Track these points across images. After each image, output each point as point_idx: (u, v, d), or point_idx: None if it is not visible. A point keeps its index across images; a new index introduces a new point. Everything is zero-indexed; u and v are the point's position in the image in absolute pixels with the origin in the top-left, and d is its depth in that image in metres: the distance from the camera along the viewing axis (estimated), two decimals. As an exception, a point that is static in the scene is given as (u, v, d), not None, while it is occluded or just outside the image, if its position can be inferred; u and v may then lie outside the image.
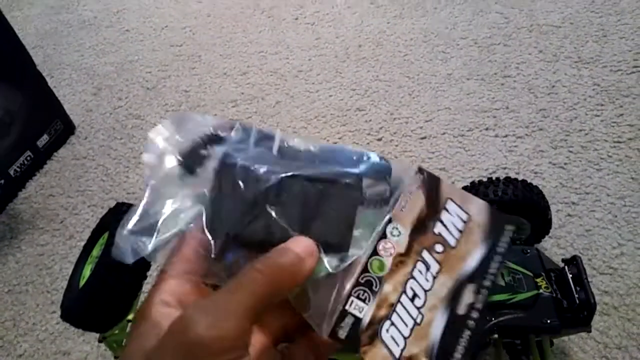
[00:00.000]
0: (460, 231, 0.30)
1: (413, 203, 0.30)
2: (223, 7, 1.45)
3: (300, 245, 0.26)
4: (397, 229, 0.29)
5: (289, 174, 0.28)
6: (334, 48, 1.26)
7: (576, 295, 0.61)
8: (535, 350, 0.62)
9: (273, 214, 0.28)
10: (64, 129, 1.15)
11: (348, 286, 0.27)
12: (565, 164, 0.95)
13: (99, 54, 1.37)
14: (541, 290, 0.62)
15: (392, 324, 0.27)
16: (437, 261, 0.29)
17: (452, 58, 1.18)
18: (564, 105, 1.05)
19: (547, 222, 0.76)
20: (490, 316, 0.60)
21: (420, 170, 0.31)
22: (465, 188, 0.76)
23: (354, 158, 0.30)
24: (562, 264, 0.66)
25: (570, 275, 0.63)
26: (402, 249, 0.28)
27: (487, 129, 1.03)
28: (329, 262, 0.27)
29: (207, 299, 0.25)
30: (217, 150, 0.30)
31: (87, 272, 0.64)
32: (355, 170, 0.29)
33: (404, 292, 0.27)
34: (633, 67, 1.09)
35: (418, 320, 0.27)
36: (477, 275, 0.29)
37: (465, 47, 1.20)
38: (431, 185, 0.31)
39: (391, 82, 1.15)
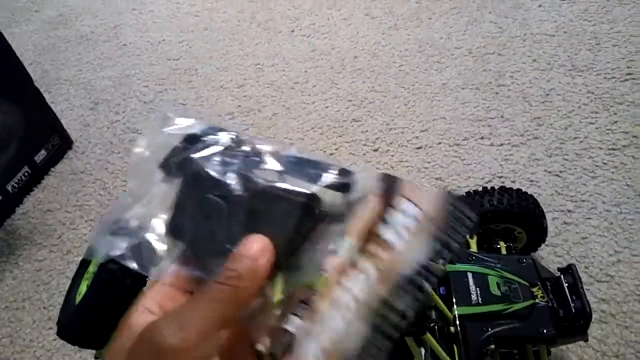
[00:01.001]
0: (410, 230, 0.28)
1: (366, 214, 0.29)
2: (219, 21, 1.46)
3: (253, 248, 0.27)
4: (348, 242, 0.28)
5: (240, 189, 0.28)
6: (330, 59, 1.27)
7: (572, 305, 0.61)
8: (533, 360, 0.62)
9: (221, 228, 0.28)
10: (62, 144, 1.15)
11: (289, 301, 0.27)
12: (561, 171, 0.95)
13: (97, 69, 1.37)
14: (537, 300, 0.62)
15: (317, 340, 0.26)
16: (378, 268, 0.27)
17: (446, 68, 1.19)
18: (558, 113, 1.05)
19: (542, 231, 0.76)
20: (487, 327, 0.60)
21: (382, 177, 0.30)
22: (461, 198, 0.76)
23: (318, 172, 0.29)
24: (558, 273, 0.66)
25: (566, 284, 0.63)
26: (346, 264, 0.27)
27: (482, 137, 1.03)
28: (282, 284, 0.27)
29: (176, 307, 0.26)
30: (195, 155, 0.30)
31: (83, 288, 0.64)
32: (314, 187, 0.28)
33: (336, 304, 0.27)
34: (626, 74, 1.09)
35: (342, 332, 0.26)
36: (417, 277, 0.28)
37: (460, 56, 1.21)
38: (389, 190, 0.29)
39: (387, 93, 1.16)
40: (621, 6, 1.25)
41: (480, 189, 0.76)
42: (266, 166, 0.30)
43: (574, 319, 0.60)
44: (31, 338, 0.86)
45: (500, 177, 0.96)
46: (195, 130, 0.31)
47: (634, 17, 1.22)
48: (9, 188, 1.05)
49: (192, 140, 0.30)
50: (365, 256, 0.28)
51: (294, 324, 0.26)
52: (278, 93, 1.21)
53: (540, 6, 1.30)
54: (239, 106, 1.19)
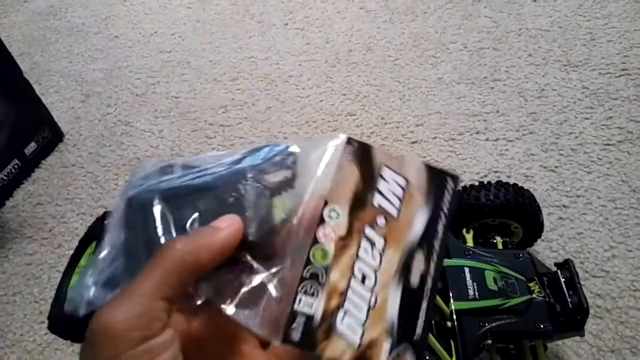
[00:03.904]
0: (400, 198, 0.28)
1: (347, 178, 0.28)
2: (212, 13, 1.44)
3: (220, 220, 0.26)
4: (334, 210, 0.27)
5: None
6: (324, 53, 1.26)
7: (569, 300, 0.61)
8: (529, 354, 0.62)
9: (157, 238, 0.28)
10: (52, 137, 1.13)
11: (294, 283, 0.25)
12: (556, 167, 0.95)
13: (88, 61, 1.35)
14: (534, 295, 0.61)
15: (346, 312, 0.25)
16: (382, 236, 0.27)
17: (442, 62, 1.19)
18: (553, 108, 1.05)
19: (539, 226, 0.76)
20: (484, 322, 0.60)
21: (350, 141, 0.29)
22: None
23: (258, 155, 0.30)
24: (554, 268, 0.66)
25: (563, 279, 0.63)
26: (342, 231, 0.27)
27: (477, 132, 1.03)
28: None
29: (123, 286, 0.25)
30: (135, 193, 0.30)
31: (74, 282, 0.63)
32: (248, 166, 0.29)
33: (353, 276, 0.26)
34: (621, 69, 1.10)
35: (372, 302, 0.26)
36: (425, 241, 0.28)
37: (455, 51, 1.21)
38: (363, 155, 0.29)
39: (382, 87, 1.15)
40: (616, 2, 1.25)
41: (476, 183, 0.76)
42: (204, 172, 0.29)
43: (570, 314, 0.60)
44: (22, 332, 0.85)
45: (496, 172, 0.96)
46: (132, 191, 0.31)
47: (628, 13, 1.22)
48: (-2, 181, 1.03)
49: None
50: (362, 225, 0.27)
51: (308, 305, 0.25)
52: (272, 86, 1.20)
53: (535, 1, 1.29)
54: (232, 99, 1.18)
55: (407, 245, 0.27)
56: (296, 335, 0.24)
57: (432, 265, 0.27)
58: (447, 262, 0.64)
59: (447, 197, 0.29)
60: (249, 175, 0.28)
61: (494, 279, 0.63)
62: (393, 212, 0.28)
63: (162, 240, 0.28)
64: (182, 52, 1.33)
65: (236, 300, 0.26)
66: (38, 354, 0.82)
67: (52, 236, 0.97)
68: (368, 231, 0.27)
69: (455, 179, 0.30)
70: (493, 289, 0.62)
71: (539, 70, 1.13)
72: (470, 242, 0.73)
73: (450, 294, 0.62)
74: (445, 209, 0.29)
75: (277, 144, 0.29)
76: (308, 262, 0.26)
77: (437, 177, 0.29)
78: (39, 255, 0.95)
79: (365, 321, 0.25)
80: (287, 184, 0.29)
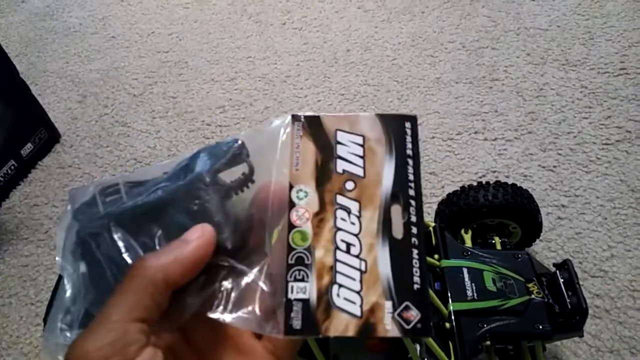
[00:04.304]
0: (362, 157, 0.28)
1: (304, 155, 0.27)
2: (210, 13, 1.44)
3: (189, 232, 0.26)
4: (301, 190, 0.27)
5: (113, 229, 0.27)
6: (322, 53, 1.26)
7: (568, 300, 0.60)
8: (528, 355, 0.62)
9: (122, 262, 0.27)
10: (49, 138, 1.13)
11: (282, 274, 0.25)
12: (555, 166, 0.95)
13: (85, 61, 1.35)
14: (533, 296, 0.61)
15: (340, 285, 0.25)
16: (354, 199, 0.27)
17: (440, 62, 1.18)
18: (552, 107, 1.05)
19: (537, 226, 0.76)
20: (482, 323, 0.59)
21: (295, 117, 0.28)
22: (455, 192, 0.76)
23: (206, 157, 0.28)
24: (553, 268, 0.65)
25: (562, 280, 0.63)
26: (315, 208, 0.26)
27: (476, 132, 1.03)
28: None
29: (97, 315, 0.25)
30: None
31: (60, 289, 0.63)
32: (203, 170, 0.27)
33: (337, 248, 0.25)
34: (620, 69, 1.09)
35: (363, 268, 0.25)
36: (398, 190, 0.27)
37: (454, 50, 1.20)
38: (312, 126, 0.28)
39: (380, 87, 1.15)
40: (614, 1, 1.25)
41: (475, 183, 0.76)
42: (147, 187, 0.28)
43: (569, 315, 0.60)
44: (18, 334, 0.84)
45: (494, 171, 0.95)
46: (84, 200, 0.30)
47: (627, 12, 1.21)
48: (-5, 182, 1.03)
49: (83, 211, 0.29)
50: (333, 195, 0.27)
51: (301, 290, 0.25)
52: (270, 86, 1.19)
53: (533, 0, 1.29)
54: (230, 99, 1.18)
55: (381, 200, 0.27)
56: (297, 323, 0.24)
57: (413, 211, 0.27)
58: (445, 262, 0.64)
59: (409, 140, 0.28)
60: (207, 179, 0.27)
61: (493, 279, 0.62)
62: (359, 172, 0.27)
63: (129, 262, 0.27)
64: (180, 52, 1.33)
65: (230, 306, 0.26)
66: (34, 356, 0.82)
67: (49, 237, 0.97)
68: (340, 199, 0.27)
69: (412, 119, 0.29)
70: (492, 290, 0.61)
71: (537, 69, 1.13)
72: (468, 243, 0.73)
73: (449, 295, 0.61)
74: (409, 153, 0.28)
75: (222, 141, 0.28)
76: (290, 248, 0.26)
77: (393, 124, 0.29)
78: (35, 256, 0.94)
79: (361, 289, 0.25)
80: (247, 179, 0.28)
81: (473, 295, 0.61)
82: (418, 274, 0.25)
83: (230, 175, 0.28)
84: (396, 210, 0.27)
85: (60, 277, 0.63)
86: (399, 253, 0.26)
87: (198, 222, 0.26)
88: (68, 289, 0.28)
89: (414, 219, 0.26)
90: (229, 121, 1.13)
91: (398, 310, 0.24)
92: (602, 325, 0.75)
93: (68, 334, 0.27)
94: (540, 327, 0.59)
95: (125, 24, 1.45)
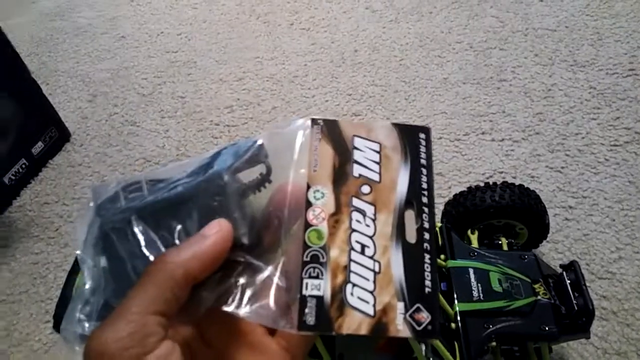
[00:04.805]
0: (378, 162, 0.29)
1: (322, 157, 0.28)
2: (219, 13, 1.44)
3: (207, 228, 0.26)
4: (318, 191, 0.27)
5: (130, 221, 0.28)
6: (330, 53, 1.26)
7: (574, 302, 0.60)
8: (534, 357, 0.62)
9: (142, 255, 0.28)
10: (59, 136, 1.14)
11: (297, 271, 0.26)
12: (562, 167, 0.94)
13: (95, 61, 1.36)
14: (539, 297, 0.61)
15: (354, 285, 0.25)
16: (370, 202, 0.27)
17: (448, 62, 1.18)
18: (560, 108, 1.04)
19: (544, 227, 0.75)
20: (488, 323, 0.59)
21: (314, 121, 0.29)
22: (462, 193, 0.76)
23: (227, 156, 0.29)
24: (560, 270, 0.65)
25: (569, 281, 0.62)
26: (332, 208, 0.27)
27: (483, 133, 1.02)
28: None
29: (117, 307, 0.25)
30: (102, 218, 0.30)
31: (80, 281, 0.64)
32: (222, 169, 0.28)
33: (352, 248, 0.26)
34: (629, 70, 1.09)
35: (376, 269, 0.26)
36: (412, 197, 0.28)
37: (461, 51, 1.20)
38: (331, 131, 0.29)
39: (387, 87, 1.15)
40: (623, 1, 1.24)
41: (482, 184, 0.76)
42: (167, 184, 0.29)
43: (576, 316, 0.60)
44: (28, 332, 0.85)
45: (501, 172, 0.95)
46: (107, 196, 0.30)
47: (636, 13, 1.21)
48: (6, 180, 1.04)
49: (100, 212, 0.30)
50: (349, 197, 0.27)
51: (316, 287, 0.25)
52: (277, 86, 1.20)
53: (541, 1, 1.29)
54: (238, 99, 1.18)
55: (396, 205, 0.28)
56: (311, 319, 0.25)
57: (425, 218, 0.28)
58: (451, 263, 0.64)
59: (423, 150, 0.29)
60: (226, 177, 0.27)
61: (499, 280, 0.62)
62: (374, 177, 0.28)
63: (151, 258, 0.27)
64: (189, 52, 1.34)
65: (245, 301, 0.27)
66: (44, 352, 0.83)
67: (59, 235, 0.98)
68: (355, 202, 0.27)
69: (426, 130, 0.30)
70: (498, 291, 0.61)
71: (545, 70, 1.12)
72: (475, 243, 0.73)
73: (455, 295, 0.61)
74: (423, 162, 0.29)
75: (242, 141, 0.29)
76: (306, 246, 0.26)
77: (408, 134, 0.30)
78: (45, 254, 0.95)
79: (374, 289, 0.25)
80: (264, 179, 0.29)
81: (479, 295, 0.61)
82: (429, 277, 0.26)
83: (249, 175, 0.29)
84: (410, 216, 0.27)
85: (69, 275, 0.64)
86: (411, 256, 0.26)
87: (216, 218, 0.27)
88: (88, 282, 0.29)
89: (426, 225, 0.27)
90: (237, 121, 1.14)
91: (410, 312, 0.25)
92: (610, 327, 0.75)
93: (86, 324, 0.28)
94: (547, 328, 0.59)
95: (135, 24, 1.46)
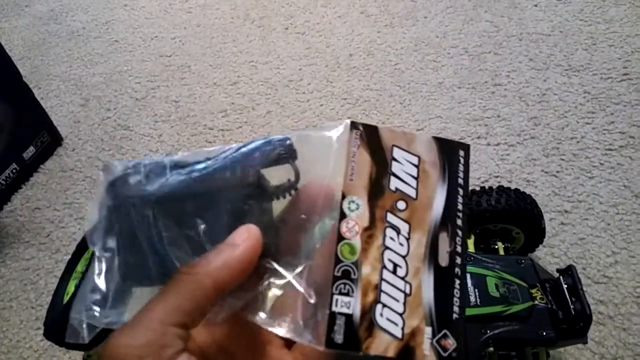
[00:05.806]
0: (416, 177, 0.27)
1: (360, 166, 0.27)
2: (213, 17, 1.44)
3: (236, 234, 0.25)
4: (353, 202, 0.26)
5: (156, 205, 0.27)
6: (325, 57, 1.26)
7: (572, 306, 0.60)
8: (531, 362, 0.61)
9: (163, 250, 0.26)
10: (51, 141, 1.13)
11: (326, 285, 0.25)
12: (558, 172, 0.94)
13: (88, 65, 1.35)
14: (536, 302, 0.61)
15: (384, 305, 0.24)
16: (405, 220, 0.26)
17: (442, 67, 1.18)
18: (555, 113, 1.04)
19: (540, 231, 0.75)
20: (485, 329, 0.59)
21: (354, 125, 0.27)
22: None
23: (255, 153, 0.27)
24: (556, 274, 0.65)
25: (566, 286, 0.62)
26: (365, 222, 0.26)
27: (478, 137, 1.02)
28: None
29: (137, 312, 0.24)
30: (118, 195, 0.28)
31: (71, 288, 0.63)
32: (250, 168, 0.27)
33: (384, 267, 0.25)
34: (623, 74, 1.09)
35: (407, 291, 0.25)
36: (447, 219, 0.27)
37: (456, 55, 1.20)
38: (371, 137, 0.27)
39: (382, 91, 1.15)
40: (617, 6, 1.25)
41: (478, 188, 0.75)
42: (193, 171, 0.28)
43: (573, 321, 0.60)
44: (18, 339, 0.84)
45: (497, 176, 0.95)
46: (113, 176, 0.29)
47: (630, 18, 1.21)
48: (-3, 185, 1.03)
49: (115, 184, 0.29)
50: (384, 212, 0.26)
51: (346, 305, 0.24)
52: (272, 91, 1.19)
53: (536, 6, 1.29)
54: (232, 104, 1.18)
55: (430, 225, 0.26)
56: (339, 337, 0.24)
57: (459, 242, 0.27)
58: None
59: (461, 169, 0.28)
60: (251, 178, 0.26)
61: (496, 285, 0.62)
62: (411, 193, 0.27)
63: (177, 264, 0.26)
64: (182, 56, 1.33)
65: (270, 311, 0.26)
66: (35, 360, 0.81)
67: (50, 241, 0.97)
68: (390, 217, 0.26)
69: (466, 148, 0.29)
70: (495, 296, 0.61)
71: (540, 74, 1.12)
72: (471, 248, 0.73)
73: (451, 301, 0.61)
74: (460, 182, 0.28)
75: (273, 138, 0.28)
76: (337, 260, 0.25)
77: (448, 149, 0.28)
78: (36, 260, 0.94)
79: (404, 311, 0.25)
80: (291, 186, 0.27)
81: (476, 300, 0.61)
82: (458, 304, 0.25)
83: (275, 172, 0.27)
84: (443, 238, 0.26)
85: (61, 281, 0.63)
86: (442, 281, 0.26)
87: (242, 221, 0.26)
88: (97, 268, 0.28)
89: (459, 249, 0.26)
90: (231, 125, 1.13)
91: (437, 337, 0.25)
92: (606, 332, 0.74)
93: (97, 309, 0.27)
94: (544, 333, 0.59)
95: (129, 28, 1.46)
